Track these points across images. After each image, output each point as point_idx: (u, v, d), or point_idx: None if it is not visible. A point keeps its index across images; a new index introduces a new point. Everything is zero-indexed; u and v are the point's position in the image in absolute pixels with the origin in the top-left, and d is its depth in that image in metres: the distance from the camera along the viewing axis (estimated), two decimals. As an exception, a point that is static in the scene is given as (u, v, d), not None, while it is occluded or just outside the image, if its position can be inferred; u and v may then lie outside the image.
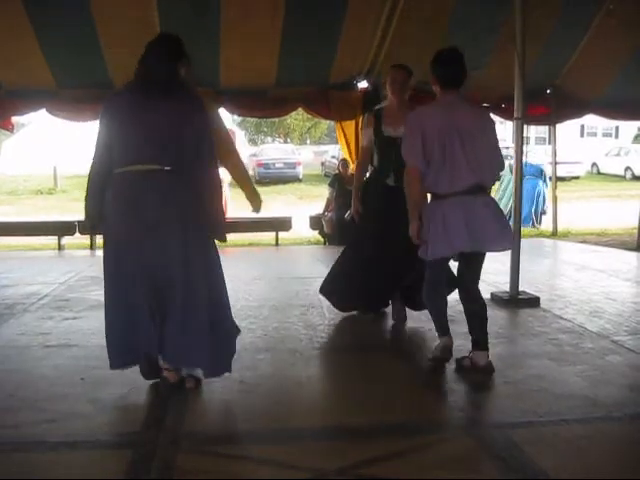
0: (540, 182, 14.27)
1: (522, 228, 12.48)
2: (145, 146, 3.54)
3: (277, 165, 27.81)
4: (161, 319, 3.61)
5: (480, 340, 4.00)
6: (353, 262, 5.35)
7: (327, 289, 5.51)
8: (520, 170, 6.09)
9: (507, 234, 4.09)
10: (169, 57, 3.63)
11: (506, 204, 13.10)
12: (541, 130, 29.68)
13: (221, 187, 3.89)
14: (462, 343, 4.21)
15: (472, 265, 4.05)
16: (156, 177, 3.54)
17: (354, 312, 5.46)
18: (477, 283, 4.11)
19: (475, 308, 4.07)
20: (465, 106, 4.07)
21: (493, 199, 4.12)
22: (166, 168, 3.54)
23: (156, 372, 3.75)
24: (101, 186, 3.63)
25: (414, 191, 3.98)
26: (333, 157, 24.86)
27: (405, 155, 3.98)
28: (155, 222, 3.51)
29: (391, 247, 4.95)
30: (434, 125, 3.89)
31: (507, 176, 13.27)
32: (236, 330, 3.93)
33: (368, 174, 5.42)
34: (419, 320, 5.25)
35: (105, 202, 3.61)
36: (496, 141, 4.11)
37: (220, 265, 3.79)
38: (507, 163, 15.72)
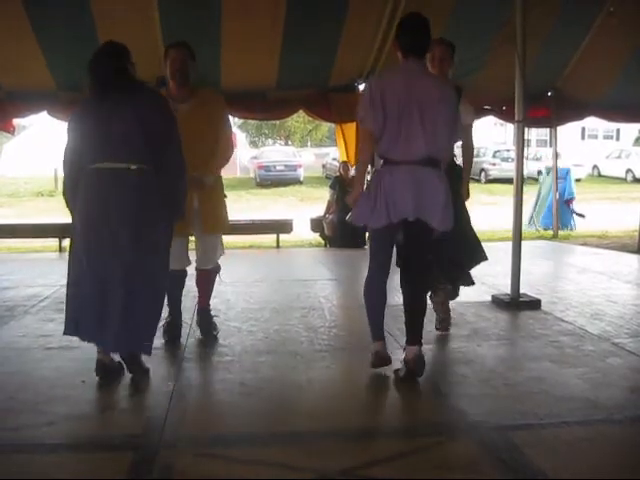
0: (568, 184, 14.40)
1: (560, 230, 12.75)
2: (112, 145, 3.73)
3: (278, 167, 27.82)
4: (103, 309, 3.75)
5: (413, 333, 3.88)
6: None
7: None
8: (521, 172, 6.08)
9: (449, 214, 3.88)
10: (110, 60, 3.87)
11: (544, 205, 13.53)
12: (542, 132, 29.62)
13: (184, 173, 3.96)
14: (461, 345, 4.20)
15: (416, 241, 3.88)
16: (122, 175, 3.71)
17: (357, 314, 5.45)
18: (423, 268, 3.96)
19: (412, 295, 3.93)
20: (427, 76, 3.98)
21: (444, 176, 3.91)
22: (132, 167, 3.72)
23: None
24: (74, 188, 3.84)
25: (366, 156, 3.96)
26: (334, 159, 24.84)
27: (362, 117, 3.84)
28: (114, 217, 3.70)
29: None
30: (394, 92, 3.77)
31: (546, 179, 13.47)
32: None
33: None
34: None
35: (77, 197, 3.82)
36: (455, 115, 3.94)
37: (167, 265, 3.95)
38: (544, 166, 15.79)
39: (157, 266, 3.87)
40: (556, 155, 5.69)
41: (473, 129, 4.98)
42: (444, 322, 4.93)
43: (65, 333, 3.96)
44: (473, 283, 5.05)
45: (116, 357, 3.96)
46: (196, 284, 4.94)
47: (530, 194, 12.61)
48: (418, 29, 3.88)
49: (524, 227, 13.65)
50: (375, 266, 3.97)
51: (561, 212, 13.41)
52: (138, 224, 3.73)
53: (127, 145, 3.72)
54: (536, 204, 13.92)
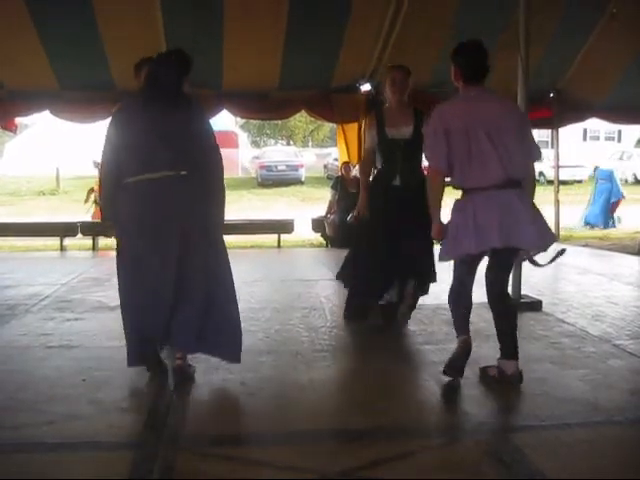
0: (612, 185, 14.66)
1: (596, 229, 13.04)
2: (158, 154, 3.77)
3: (280, 167, 27.83)
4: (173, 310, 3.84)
5: (507, 348, 3.85)
6: (358, 260, 5.39)
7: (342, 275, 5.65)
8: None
9: (544, 233, 3.85)
10: (178, 71, 3.86)
11: (601, 209, 14.43)
12: (544, 134, 29.55)
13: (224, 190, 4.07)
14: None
15: (501, 264, 3.89)
16: (173, 182, 3.76)
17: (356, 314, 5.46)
18: (506, 284, 3.97)
19: (503, 311, 3.92)
20: (491, 98, 3.90)
21: (524, 195, 3.85)
22: (182, 173, 3.78)
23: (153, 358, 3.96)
24: (114, 191, 3.87)
25: (436, 191, 3.86)
26: (336, 159, 24.79)
27: (428, 156, 3.91)
28: (169, 222, 3.77)
29: (397, 247, 4.99)
30: (458, 122, 3.75)
31: (604, 182, 13.78)
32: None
33: (372, 176, 5.42)
34: (421, 322, 5.26)
35: (119, 210, 3.86)
36: (528, 132, 3.92)
37: (229, 266, 4.02)
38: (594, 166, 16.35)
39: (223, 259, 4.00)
40: (558, 157, 5.74)
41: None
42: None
43: (130, 365, 3.94)
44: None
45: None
46: None
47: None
48: (478, 54, 3.85)
49: (577, 226, 14.34)
50: (462, 281, 3.95)
51: (604, 212, 14.43)
52: (198, 226, 3.82)
53: (176, 154, 3.77)
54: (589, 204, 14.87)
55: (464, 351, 3.88)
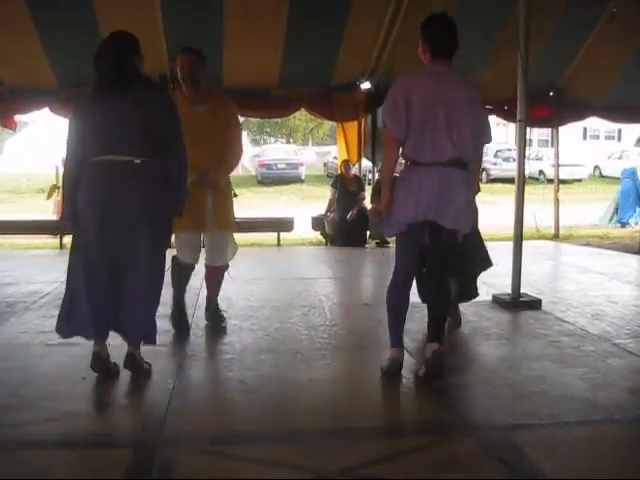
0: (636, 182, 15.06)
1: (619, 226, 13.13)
2: (114, 139, 3.77)
3: (280, 166, 27.81)
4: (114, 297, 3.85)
5: (434, 332, 3.89)
6: None
7: None
8: (522, 172, 6.07)
9: (465, 216, 3.92)
10: (116, 54, 3.86)
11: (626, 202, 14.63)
12: (544, 132, 29.57)
13: (186, 169, 4.00)
14: (463, 344, 4.20)
15: (439, 245, 3.85)
16: (126, 168, 3.75)
17: (357, 313, 5.46)
18: (444, 269, 3.94)
19: (438, 298, 3.94)
20: (455, 78, 3.90)
21: (469, 177, 3.93)
22: (136, 161, 3.75)
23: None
24: (75, 183, 3.86)
25: (391, 161, 3.90)
26: (335, 158, 24.84)
27: (387, 120, 3.85)
28: (118, 210, 3.75)
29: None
30: (421, 95, 3.76)
31: (628, 181, 14.73)
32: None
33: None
34: (420, 321, 5.25)
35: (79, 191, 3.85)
36: (482, 114, 4.00)
37: (164, 263, 4.04)
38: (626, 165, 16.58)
39: (160, 258, 3.97)
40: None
41: None
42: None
43: (58, 331, 4.07)
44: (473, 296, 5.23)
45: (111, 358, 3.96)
46: (205, 280, 5.09)
47: (531, 194, 12.64)
48: (447, 30, 3.83)
49: (605, 223, 14.66)
50: (400, 271, 3.93)
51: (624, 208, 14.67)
52: (142, 216, 3.77)
53: (129, 139, 3.76)
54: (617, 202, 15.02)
55: (392, 369, 3.90)
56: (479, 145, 4.00)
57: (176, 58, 4.74)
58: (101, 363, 3.87)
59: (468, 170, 3.88)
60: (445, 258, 3.93)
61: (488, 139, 4.01)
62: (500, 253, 6.40)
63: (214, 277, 4.99)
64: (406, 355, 4.04)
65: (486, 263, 5.29)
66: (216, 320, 5.05)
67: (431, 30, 3.85)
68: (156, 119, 3.81)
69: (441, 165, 3.76)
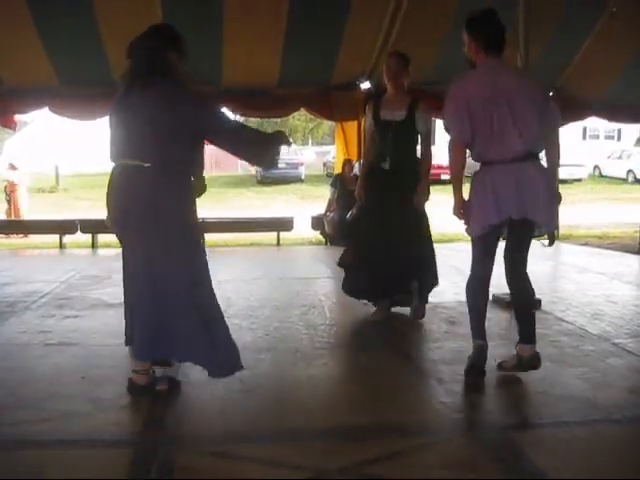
0: None
1: None
2: (126, 142, 3.53)
3: (279, 165, 27.75)
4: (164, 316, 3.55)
5: (524, 332, 3.87)
6: (356, 251, 5.53)
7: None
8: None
9: (553, 217, 3.87)
10: (149, 48, 3.54)
11: None
12: (543, 132, 29.63)
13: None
14: (462, 345, 4.20)
15: (521, 240, 3.80)
16: (136, 174, 3.49)
17: (357, 312, 5.46)
18: (525, 265, 3.87)
19: (521, 296, 3.92)
20: (509, 71, 3.85)
21: (544, 168, 3.85)
22: (146, 165, 3.46)
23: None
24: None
25: (458, 165, 3.79)
26: (335, 158, 24.92)
27: (450, 126, 3.76)
28: (134, 217, 3.52)
29: (389, 233, 5.11)
30: (481, 93, 3.67)
31: None
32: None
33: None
34: (420, 320, 5.26)
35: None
36: (546, 102, 3.87)
37: (206, 267, 3.67)
38: None
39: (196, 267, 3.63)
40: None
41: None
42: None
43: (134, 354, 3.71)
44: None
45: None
46: None
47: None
48: (496, 23, 3.77)
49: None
50: (479, 277, 3.88)
51: None
52: (157, 223, 3.49)
53: (142, 142, 3.47)
54: None
55: (479, 357, 3.86)
56: (550, 132, 3.85)
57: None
58: (138, 390, 3.62)
59: (540, 162, 3.83)
60: (526, 253, 3.88)
61: (557, 123, 3.90)
62: (500, 253, 6.40)
63: None
64: (405, 353, 4.04)
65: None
66: None
67: (480, 27, 3.79)
68: (173, 122, 3.46)
69: (515, 161, 3.67)
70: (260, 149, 3.71)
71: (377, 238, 5.16)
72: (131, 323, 3.65)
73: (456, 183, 3.81)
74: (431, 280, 5.33)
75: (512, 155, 3.67)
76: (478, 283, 3.88)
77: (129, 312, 3.68)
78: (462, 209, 3.78)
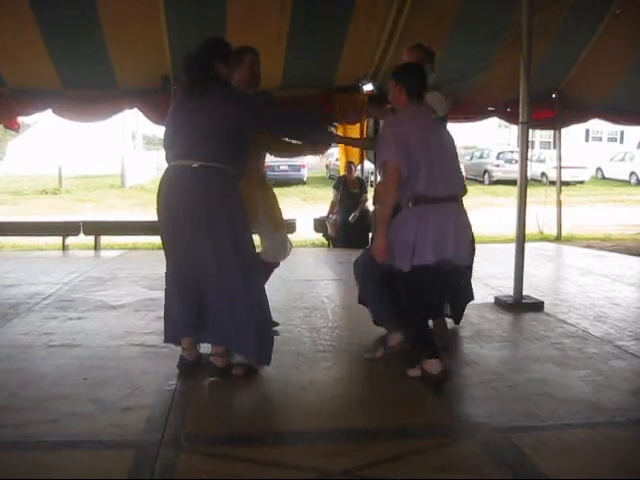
0: None
1: None
2: (177, 143, 3.80)
3: (282, 167, 27.77)
4: (201, 306, 3.84)
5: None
6: None
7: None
8: (525, 173, 6.06)
9: (470, 248, 4.16)
10: (200, 58, 3.79)
11: None
12: (546, 134, 29.65)
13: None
14: (465, 347, 4.18)
15: (455, 281, 4.14)
16: (184, 173, 3.75)
17: (360, 315, 5.45)
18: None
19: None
20: (431, 117, 4.17)
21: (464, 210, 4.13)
22: (194, 165, 3.71)
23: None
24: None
25: (395, 195, 3.84)
26: (338, 160, 24.89)
27: (390, 156, 3.82)
28: (181, 217, 3.75)
29: None
30: (414, 135, 3.83)
31: None
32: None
33: None
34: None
35: None
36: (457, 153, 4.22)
37: (254, 259, 4.06)
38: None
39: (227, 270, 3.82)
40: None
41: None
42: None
43: (165, 341, 4.14)
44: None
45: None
46: None
47: (533, 196, 12.68)
48: (421, 75, 4.06)
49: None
50: (419, 293, 3.92)
51: None
52: (206, 222, 3.73)
53: (194, 143, 3.74)
54: None
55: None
56: (463, 178, 4.19)
57: (239, 57, 4.56)
58: (186, 365, 4.00)
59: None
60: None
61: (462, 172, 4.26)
62: (502, 255, 6.40)
63: (269, 273, 5.01)
64: (406, 356, 4.03)
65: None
66: None
67: (409, 75, 4.03)
68: (224, 127, 3.76)
69: (451, 201, 3.90)
70: (310, 133, 4.16)
71: None
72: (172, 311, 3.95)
73: (384, 222, 3.88)
74: None
75: (451, 193, 3.91)
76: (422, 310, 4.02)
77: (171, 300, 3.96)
78: (386, 251, 3.84)
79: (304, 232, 12.28)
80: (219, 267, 3.75)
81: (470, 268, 4.76)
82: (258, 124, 3.99)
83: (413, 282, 3.86)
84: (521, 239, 6.02)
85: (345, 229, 10.96)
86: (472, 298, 5.32)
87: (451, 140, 4.12)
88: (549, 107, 11.11)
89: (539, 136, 30.65)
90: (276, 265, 5.02)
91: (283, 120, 4.06)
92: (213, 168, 3.73)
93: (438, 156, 3.87)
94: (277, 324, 5.08)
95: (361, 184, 11.38)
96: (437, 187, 3.83)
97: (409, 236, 3.80)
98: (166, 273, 4.00)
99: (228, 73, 3.89)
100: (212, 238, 3.73)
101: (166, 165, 3.90)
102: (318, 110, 4.10)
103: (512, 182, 14.40)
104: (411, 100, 3.98)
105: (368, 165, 11.99)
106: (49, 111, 10.22)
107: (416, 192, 3.83)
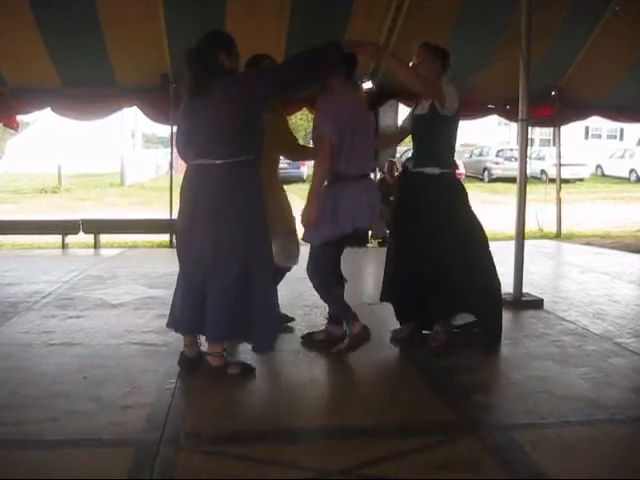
0: None
1: None
2: (193, 142, 3.80)
3: (281, 165, 27.76)
4: (203, 300, 3.87)
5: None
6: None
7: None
8: (524, 171, 6.06)
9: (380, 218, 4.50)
10: (206, 50, 3.77)
11: None
12: (546, 132, 29.63)
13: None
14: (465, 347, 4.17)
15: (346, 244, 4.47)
16: (211, 170, 3.74)
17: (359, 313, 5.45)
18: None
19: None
20: (356, 99, 4.56)
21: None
22: (217, 162, 3.72)
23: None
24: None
25: (324, 170, 4.16)
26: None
27: (326, 129, 4.10)
28: (202, 214, 3.77)
29: (413, 244, 4.56)
30: (345, 111, 4.17)
31: None
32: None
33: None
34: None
35: None
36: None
37: (270, 259, 4.10)
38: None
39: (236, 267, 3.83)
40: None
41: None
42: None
43: (167, 326, 4.19)
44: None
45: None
46: None
47: (533, 193, 12.66)
48: (353, 58, 4.30)
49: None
50: (331, 265, 4.53)
51: None
52: (224, 219, 3.76)
53: (207, 141, 3.75)
54: None
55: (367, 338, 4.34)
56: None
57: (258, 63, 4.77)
58: (187, 362, 4.05)
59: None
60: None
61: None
62: (502, 253, 6.39)
63: (280, 278, 5.07)
64: (407, 355, 4.03)
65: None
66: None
67: (347, 60, 4.22)
68: (233, 120, 3.74)
69: (366, 177, 4.38)
70: (320, 65, 4.04)
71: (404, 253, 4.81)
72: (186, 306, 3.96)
73: (319, 188, 4.24)
74: None
75: (365, 171, 4.36)
76: (333, 277, 4.49)
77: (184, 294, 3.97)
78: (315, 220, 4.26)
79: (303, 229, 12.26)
80: (232, 263, 3.78)
81: (470, 268, 4.43)
82: (267, 90, 3.89)
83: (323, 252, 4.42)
84: (521, 237, 6.02)
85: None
86: (496, 303, 4.74)
87: (372, 123, 4.51)
88: (549, 105, 11.10)
89: (539, 133, 30.66)
90: (287, 269, 5.10)
91: (286, 71, 4.01)
92: (236, 163, 3.74)
93: (359, 138, 4.18)
94: (292, 319, 5.21)
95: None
96: (354, 167, 4.19)
97: (330, 209, 4.17)
98: (179, 274, 4.05)
99: (232, 64, 3.86)
100: (230, 235, 3.77)
101: (168, 165, 3.97)
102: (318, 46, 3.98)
103: (512, 180, 14.40)
104: (346, 83, 4.32)
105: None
106: (48, 109, 10.21)
107: (338, 171, 4.16)
